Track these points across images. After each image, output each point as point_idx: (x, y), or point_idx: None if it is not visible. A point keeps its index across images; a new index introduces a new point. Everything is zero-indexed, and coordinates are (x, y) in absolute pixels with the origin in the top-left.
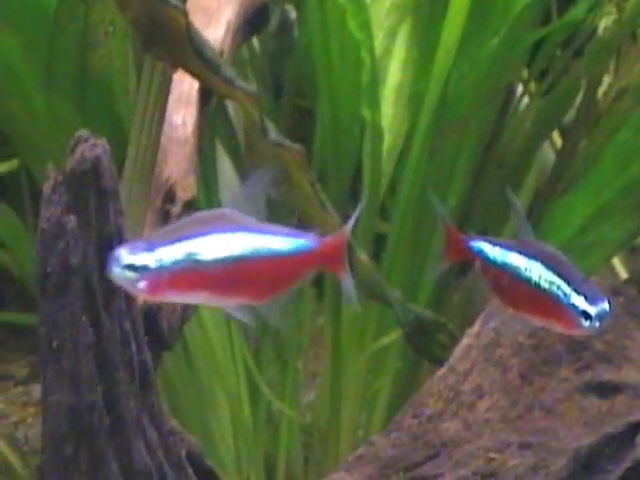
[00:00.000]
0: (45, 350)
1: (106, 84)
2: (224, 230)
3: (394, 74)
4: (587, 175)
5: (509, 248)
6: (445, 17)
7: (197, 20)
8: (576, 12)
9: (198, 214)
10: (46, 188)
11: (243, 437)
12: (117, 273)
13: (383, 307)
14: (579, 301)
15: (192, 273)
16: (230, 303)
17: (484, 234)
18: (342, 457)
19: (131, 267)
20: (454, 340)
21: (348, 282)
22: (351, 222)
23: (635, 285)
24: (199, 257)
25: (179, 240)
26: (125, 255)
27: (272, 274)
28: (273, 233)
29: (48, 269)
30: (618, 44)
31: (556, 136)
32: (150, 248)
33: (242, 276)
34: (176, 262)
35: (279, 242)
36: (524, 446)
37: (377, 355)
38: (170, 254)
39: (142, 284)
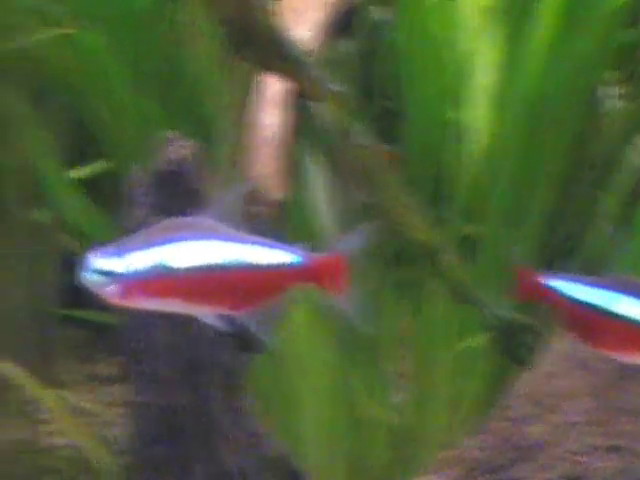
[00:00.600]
0: (129, 351)
1: (194, 84)
2: (200, 237)
3: (480, 75)
4: None
5: (591, 284)
6: (535, 17)
7: (286, 21)
8: None
9: (174, 220)
10: (132, 188)
11: (330, 439)
12: (87, 277)
13: (470, 308)
14: None
15: (164, 280)
16: (205, 312)
17: (571, 238)
18: (429, 459)
19: (101, 272)
20: (541, 342)
21: (345, 304)
22: (349, 242)
23: None
24: (171, 264)
25: (151, 245)
26: (95, 259)
27: (250, 285)
28: (257, 244)
29: None
30: None
31: None
32: (120, 253)
33: (217, 285)
34: (148, 268)
35: (262, 253)
36: (611, 449)
37: (464, 356)
38: (142, 260)
39: (112, 289)
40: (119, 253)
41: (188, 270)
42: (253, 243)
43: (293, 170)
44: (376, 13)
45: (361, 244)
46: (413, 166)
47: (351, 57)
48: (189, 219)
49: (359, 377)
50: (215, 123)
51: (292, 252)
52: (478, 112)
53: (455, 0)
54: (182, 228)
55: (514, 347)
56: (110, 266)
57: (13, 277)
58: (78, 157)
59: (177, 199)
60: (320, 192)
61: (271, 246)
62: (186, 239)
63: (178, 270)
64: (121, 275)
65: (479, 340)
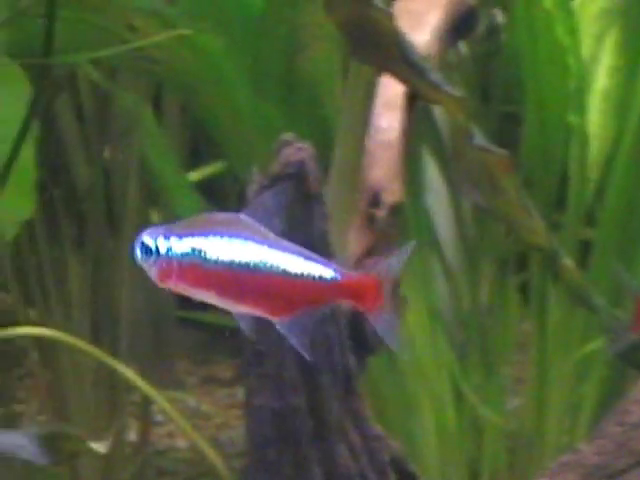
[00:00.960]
0: (249, 353)
1: (312, 87)
2: (245, 236)
3: (601, 80)
4: None
5: None
6: None
7: (404, 24)
8: None
9: (225, 215)
10: (251, 191)
11: (447, 442)
12: (136, 253)
13: (589, 313)
14: None
15: (200, 268)
16: (243, 310)
17: None
18: (546, 464)
19: (146, 249)
20: None
21: (383, 326)
22: (393, 263)
23: None
24: (211, 255)
25: (198, 234)
26: (144, 237)
27: (286, 293)
28: (297, 253)
29: None
30: None
31: None
32: (168, 235)
33: (253, 286)
34: (187, 253)
35: (301, 263)
36: None
37: (582, 361)
38: (182, 244)
39: (152, 267)
40: (167, 235)
41: (226, 264)
42: (294, 252)
43: (411, 174)
44: (495, 16)
45: (400, 265)
46: (532, 170)
47: (469, 60)
48: (242, 217)
49: (476, 381)
50: (334, 126)
51: (329, 266)
52: (598, 117)
53: (574, 2)
54: (231, 224)
55: (632, 351)
56: (154, 245)
57: (131, 280)
58: (195, 159)
59: (295, 202)
60: (438, 196)
61: (310, 258)
62: (232, 235)
63: (216, 262)
64: (161, 255)
65: (599, 344)
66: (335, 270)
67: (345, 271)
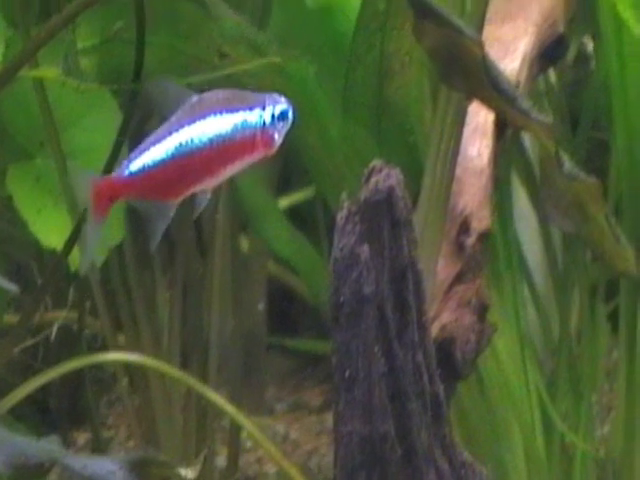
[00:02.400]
0: (338, 379)
1: (402, 113)
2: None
3: None
4: None
5: None
6: None
7: (493, 51)
8: None
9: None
10: (340, 217)
11: (536, 469)
12: None
13: None
14: None
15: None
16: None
17: None
18: None
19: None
20: None
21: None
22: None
23: None
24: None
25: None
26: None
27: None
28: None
29: (341, 298)
30: None
31: None
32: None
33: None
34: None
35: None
36: None
37: None
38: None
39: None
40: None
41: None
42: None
43: (500, 201)
44: (585, 44)
45: None
46: (620, 197)
47: (558, 88)
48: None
49: (565, 408)
50: (423, 152)
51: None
52: None
53: None
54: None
55: None
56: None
57: (220, 306)
58: (285, 185)
59: (385, 228)
60: (527, 223)
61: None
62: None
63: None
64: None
65: None
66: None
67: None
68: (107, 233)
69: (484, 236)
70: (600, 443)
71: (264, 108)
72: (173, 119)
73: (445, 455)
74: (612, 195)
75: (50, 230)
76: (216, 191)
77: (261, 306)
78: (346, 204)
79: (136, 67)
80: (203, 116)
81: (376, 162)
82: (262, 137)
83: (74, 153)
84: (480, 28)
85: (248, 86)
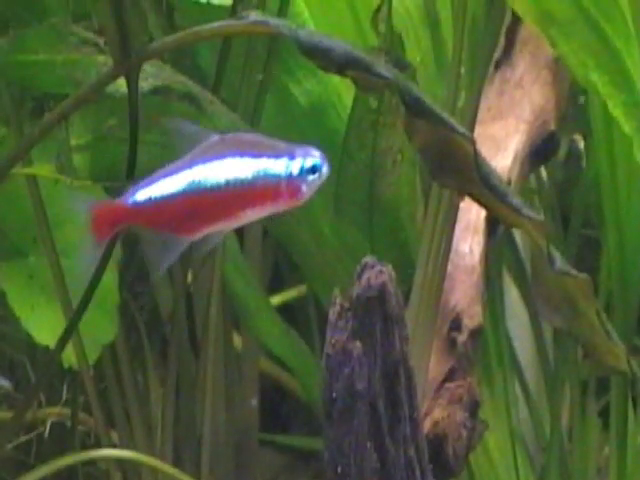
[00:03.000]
0: (330, 475)
1: (394, 211)
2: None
3: None
4: None
5: None
6: None
7: (485, 149)
8: None
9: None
10: (332, 314)
11: None
12: None
13: None
14: None
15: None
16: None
17: None
18: None
19: None
20: None
21: None
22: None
23: None
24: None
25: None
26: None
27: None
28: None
29: (334, 394)
30: None
31: None
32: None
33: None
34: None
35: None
36: None
37: None
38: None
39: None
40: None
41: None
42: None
43: (492, 297)
44: (576, 142)
45: None
46: (611, 293)
47: (549, 185)
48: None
49: None
50: (415, 249)
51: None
52: None
53: None
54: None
55: None
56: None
57: (213, 402)
58: (277, 282)
59: (377, 324)
60: (519, 319)
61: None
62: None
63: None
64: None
65: None
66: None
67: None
68: (100, 331)
69: (476, 333)
70: None
71: (293, 158)
72: (190, 155)
73: None
74: (603, 292)
75: (43, 327)
76: (208, 288)
77: (254, 402)
78: (338, 300)
79: (129, 165)
80: (222, 156)
81: (368, 258)
82: (288, 187)
83: (67, 251)
84: (472, 125)
85: None
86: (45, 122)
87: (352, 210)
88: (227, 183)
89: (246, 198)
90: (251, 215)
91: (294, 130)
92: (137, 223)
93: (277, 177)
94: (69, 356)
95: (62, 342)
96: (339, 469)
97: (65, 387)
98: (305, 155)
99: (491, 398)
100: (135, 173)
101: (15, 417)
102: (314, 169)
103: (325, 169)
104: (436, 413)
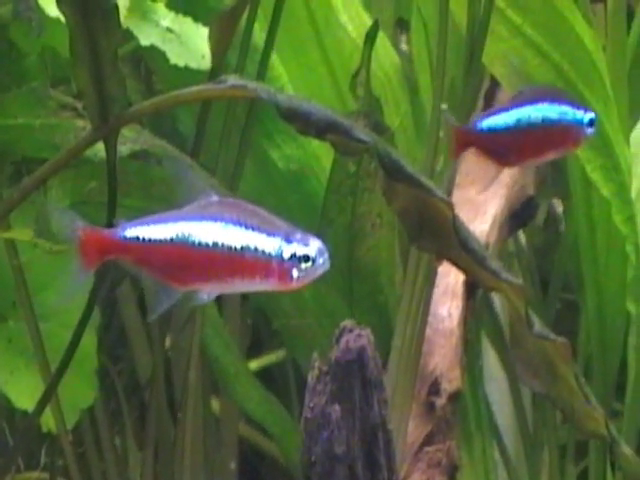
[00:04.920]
0: None
1: (373, 275)
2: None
3: None
4: None
5: None
6: None
7: (463, 212)
8: None
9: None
10: (311, 377)
11: None
12: None
13: None
14: None
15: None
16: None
17: None
18: None
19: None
20: None
21: None
22: None
23: None
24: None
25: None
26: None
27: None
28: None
29: (313, 458)
30: None
31: None
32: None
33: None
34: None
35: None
36: None
37: None
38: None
39: None
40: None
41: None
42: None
43: (470, 361)
44: (554, 206)
45: None
46: (590, 357)
47: (527, 249)
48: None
49: None
50: (394, 313)
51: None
52: None
53: (632, 190)
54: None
55: None
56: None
57: (192, 467)
58: (256, 347)
59: (356, 388)
60: (497, 383)
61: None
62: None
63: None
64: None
65: None
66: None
67: None
68: (78, 395)
69: (454, 397)
70: None
71: (289, 241)
72: (187, 208)
73: None
74: (582, 355)
75: (22, 391)
76: (187, 352)
77: (232, 466)
78: (317, 364)
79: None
80: (218, 218)
81: (347, 322)
82: (278, 269)
83: (46, 315)
84: (450, 189)
85: None
86: (24, 186)
87: (332, 274)
88: (215, 245)
89: (235, 267)
90: (242, 285)
91: (273, 194)
92: (123, 257)
93: (268, 255)
94: (48, 420)
95: (41, 406)
96: None
97: (43, 451)
98: (302, 242)
99: (470, 462)
100: None
101: None
102: (307, 258)
103: (321, 261)
104: (415, 477)
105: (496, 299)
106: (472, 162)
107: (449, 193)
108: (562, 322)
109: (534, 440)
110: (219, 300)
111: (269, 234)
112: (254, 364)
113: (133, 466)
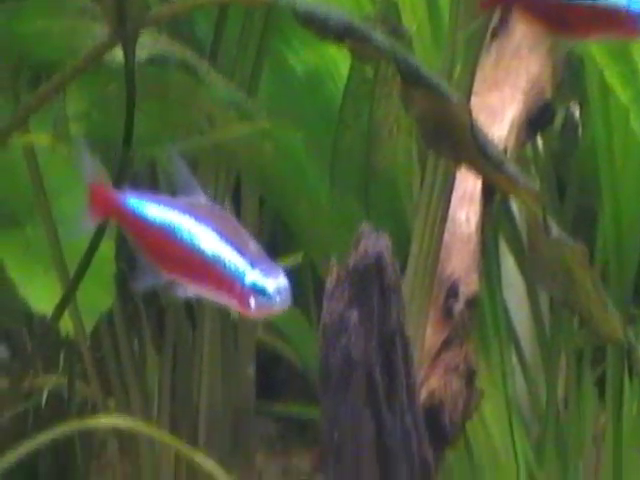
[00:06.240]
0: (327, 444)
1: (390, 180)
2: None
3: None
4: None
5: None
6: None
7: (481, 118)
8: None
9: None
10: (329, 283)
11: None
12: None
13: None
14: None
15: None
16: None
17: None
18: None
19: None
20: None
21: None
22: None
23: None
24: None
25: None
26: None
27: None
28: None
29: (330, 363)
30: None
31: None
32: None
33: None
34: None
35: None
36: None
37: None
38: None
39: None
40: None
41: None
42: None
43: (488, 266)
44: (573, 110)
45: None
46: (607, 263)
47: (545, 154)
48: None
49: (552, 473)
50: (411, 219)
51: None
52: None
53: None
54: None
55: None
56: None
57: (210, 372)
58: (274, 250)
59: (374, 293)
60: (515, 288)
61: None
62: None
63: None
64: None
65: None
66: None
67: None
68: (96, 300)
69: (472, 302)
70: None
71: (253, 267)
72: (182, 201)
73: None
74: (599, 261)
75: (40, 296)
76: None
77: (250, 371)
78: (335, 269)
79: (126, 134)
80: (203, 220)
81: (365, 227)
82: (239, 292)
83: (64, 220)
84: (468, 95)
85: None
86: (42, 91)
87: (348, 179)
88: (192, 246)
89: (205, 273)
90: (212, 293)
91: (290, 99)
92: (120, 223)
93: (233, 274)
94: (66, 324)
95: (59, 311)
96: (335, 438)
97: (62, 356)
98: (264, 272)
99: (487, 368)
100: (132, 142)
101: (12, 386)
102: (263, 291)
103: (279, 299)
104: (432, 382)
105: (514, 204)
106: (490, 68)
107: (467, 98)
108: (579, 227)
109: (551, 345)
110: (236, 202)
111: (240, 253)
112: None
113: (151, 370)
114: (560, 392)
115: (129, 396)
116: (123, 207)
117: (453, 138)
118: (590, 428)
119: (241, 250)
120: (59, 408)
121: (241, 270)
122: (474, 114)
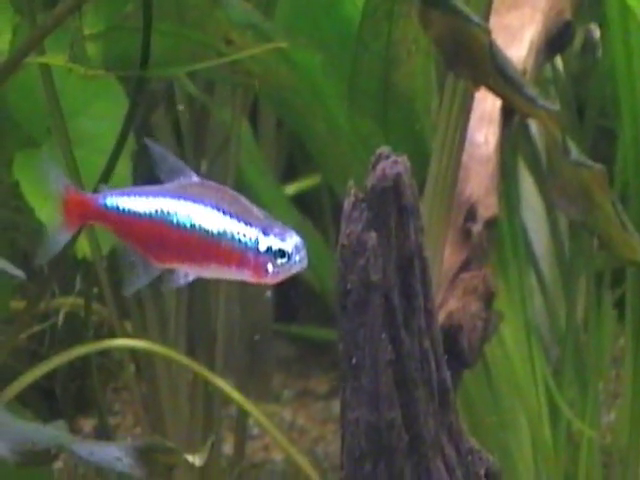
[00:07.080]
0: (344, 367)
1: (408, 102)
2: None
3: None
4: None
5: None
6: None
7: (500, 39)
8: None
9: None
10: (347, 205)
11: (542, 457)
12: None
13: None
14: None
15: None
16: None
17: None
18: None
19: None
20: None
21: None
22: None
23: None
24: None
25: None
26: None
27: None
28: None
29: (348, 286)
30: None
31: None
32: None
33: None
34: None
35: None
36: None
37: None
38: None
39: None
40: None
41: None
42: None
43: (507, 188)
44: (592, 31)
45: None
46: (627, 185)
47: (564, 75)
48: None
49: (571, 396)
50: (430, 140)
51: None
52: None
53: None
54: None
55: None
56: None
57: (227, 294)
58: (291, 172)
59: (392, 215)
60: (534, 210)
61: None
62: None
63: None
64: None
65: None
66: None
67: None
68: None
69: (491, 223)
70: (606, 430)
71: (266, 234)
72: (169, 185)
73: (452, 442)
74: (618, 183)
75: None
76: (222, 180)
77: (267, 294)
78: (353, 191)
79: (143, 54)
80: (194, 200)
81: (383, 149)
82: (253, 261)
83: (80, 141)
84: (486, 15)
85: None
86: (58, 12)
87: (366, 101)
88: (193, 227)
89: (212, 252)
90: (219, 271)
91: (308, 19)
92: (104, 224)
93: (243, 245)
94: (82, 247)
95: (76, 233)
96: (353, 360)
97: (78, 278)
98: (279, 236)
99: (506, 289)
100: (148, 63)
101: (28, 307)
102: (283, 253)
103: (298, 258)
104: (451, 304)
105: (533, 126)
106: None
107: (485, 20)
108: (599, 149)
109: (570, 267)
110: (254, 125)
111: (247, 224)
112: (289, 189)
113: (168, 292)
114: (579, 314)
115: (146, 318)
116: (103, 209)
117: (472, 59)
118: (609, 350)
119: (246, 220)
120: (75, 330)
121: (252, 239)
122: (493, 35)
